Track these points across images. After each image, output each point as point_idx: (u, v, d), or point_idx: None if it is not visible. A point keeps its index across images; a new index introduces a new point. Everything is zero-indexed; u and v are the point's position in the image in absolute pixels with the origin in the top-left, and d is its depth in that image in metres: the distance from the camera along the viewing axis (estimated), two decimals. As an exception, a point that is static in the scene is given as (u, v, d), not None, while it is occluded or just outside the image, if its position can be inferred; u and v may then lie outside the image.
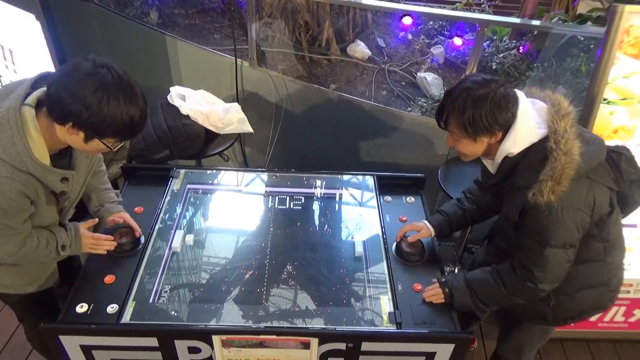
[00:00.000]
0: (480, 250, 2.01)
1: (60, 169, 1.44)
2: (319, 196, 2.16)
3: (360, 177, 2.24)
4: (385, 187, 2.16)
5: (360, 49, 3.18)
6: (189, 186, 2.13)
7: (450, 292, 1.63)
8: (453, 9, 3.33)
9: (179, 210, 2.00)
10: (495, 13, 3.53)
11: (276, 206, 2.08)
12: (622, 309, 2.43)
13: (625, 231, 1.66)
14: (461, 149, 1.56)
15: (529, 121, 1.45)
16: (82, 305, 1.56)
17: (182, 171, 2.19)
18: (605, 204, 1.49)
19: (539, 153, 1.42)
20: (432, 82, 3.05)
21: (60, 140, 1.40)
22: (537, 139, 1.44)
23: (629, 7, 1.71)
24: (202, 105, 2.55)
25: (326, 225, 2.03)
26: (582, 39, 2.86)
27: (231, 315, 1.62)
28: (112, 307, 1.56)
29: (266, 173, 2.26)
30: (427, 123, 2.75)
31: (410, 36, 3.41)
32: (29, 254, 1.51)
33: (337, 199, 2.17)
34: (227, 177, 2.23)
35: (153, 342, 1.54)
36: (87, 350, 1.56)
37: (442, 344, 1.56)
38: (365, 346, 1.56)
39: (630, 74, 1.85)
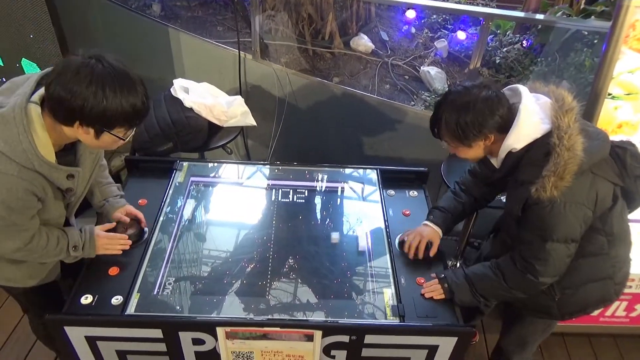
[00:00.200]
0: (485, 244, 2.02)
1: (66, 166, 1.44)
2: (321, 189, 2.17)
3: (363, 170, 2.24)
4: (388, 180, 2.16)
5: (363, 43, 3.17)
6: (192, 179, 2.13)
7: (449, 288, 1.64)
8: (457, 3, 3.31)
9: (182, 202, 2.00)
10: (499, 7, 3.51)
11: (279, 199, 2.09)
12: (624, 304, 2.43)
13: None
14: (462, 156, 1.61)
15: (532, 116, 1.45)
16: (87, 297, 1.57)
17: (186, 164, 2.19)
18: (608, 198, 1.50)
19: (542, 148, 1.42)
20: (435, 76, 3.04)
21: (66, 136, 1.40)
22: (540, 135, 1.45)
23: (635, 1, 1.70)
24: (205, 98, 2.55)
25: (329, 219, 2.03)
26: (587, 33, 2.84)
27: (235, 307, 1.63)
28: (117, 299, 1.57)
29: (269, 166, 2.26)
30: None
31: (413, 30, 3.39)
32: (36, 251, 1.51)
33: (340, 192, 2.17)
34: (230, 170, 2.23)
35: (157, 333, 1.55)
36: (91, 341, 1.57)
37: (445, 337, 1.57)
38: (369, 339, 1.57)
39: (636, 68, 1.85)
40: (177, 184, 2.09)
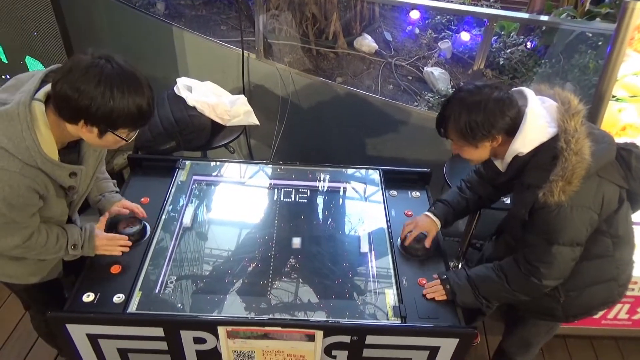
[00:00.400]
0: (488, 246, 2.02)
1: (69, 164, 1.44)
2: (324, 189, 2.16)
3: (365, 171, 2.24)
4: (390, 181, 2.15)
5: (367, 43, 3.17)
6: (194, 177, 2.13)
7: (451, 289, 1.63)
8: (461, 4, 3.30)
9: (184, 201, 2.00)
10: (503, 8, 3.50)
11: (281, 199, 2.08)
12: (627, 307, 2.42)
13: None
14: (466, 156, 1.59)
15: (539, 120, 1.45)
16: (89, 295, 1.57)
17: (188, 162, 2.19)
18: (614, 201, 1.49)
19: (549, 152, 1.42)
20: (439, 76, 3.04)
21: (69, 134, 1.40)
22: (546, 138, 1.44)
23: (640, 4, 1.70)
24: (208, 97, 2.55)
25: (331, 219, 2.03)
26: (591, 35, 2.83)
27: (236, 306, 1.63)
28: (119, 297, 1.57)
29: (271, 166, 2.26)
30: (434, 118, 2.69)
31: (417, 30, 3.39)
32: (35, 248, 1.51)
33: (342, 192, 2.17)
34: (233, 169, 2.23)
35: (159, 332, 1.55)
36: (93, 339, 1.57)
37: (446, 339, 1.57)
38: (370, 339, 1.57)
39: (640, 71, 1.84)
40: (180, 183, 2.09)
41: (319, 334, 1.55)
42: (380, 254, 1.83)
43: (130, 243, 1.73)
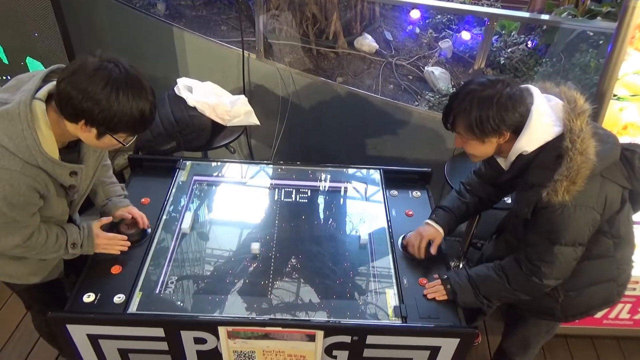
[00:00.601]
0: (488, 245, 2.01)
1: (69, 163, 1.45)
2: (324, 189, 2.16)
3: (366, 170, 2.23)
4: (391, 181, 2.15)
5: (367, 42, 3.16)
6: (195, 178, 2.13)
7: (452, 289, 1.63)
8: (462, 3, 3.30)
9: (185, 201, 2.00)
10: (504, 7, 3.50)
11: (282, 199, 2.08)
12: (628, 307, 2.42)
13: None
14: (470, 151, 1.56)
15: (544, 118, 1.43)
16: (89, 295, 1.57)
17: (189, 163, 2.19)
18: (617, 202, 1.48)
19: (553, 151, 1.41)
20: (439, 76, 3.04)
21: (69, 134, 1.41)
22: (551, 137, 1.43)
23: (641, 2, 1.69)
24: (209, 97, 2.55)
25: (332, 219, 2.03)
26: (592, 34, 2.83)
27: (237, 306, 1.62)
28: (119, 297, 1.57)
29: (272, 166, 2.25)
30: (434, 117, 2.74)
31: (418, 30, 3.38)
32: (35, 247, 1.52)
33: (343, 192, 2.17)
34: (233, 170, 2.23)
35: (159, 332, 1.55)
36: (94, 339, 1.57)
37: (447, 339, 1.57)
38: (371, 339, 1.57)
39: (641, 70, 1.84)
40: (180, 183, 2.09)
41: (319, 334, 1.55)
42: (380, 254, 1.83)
43: (129, 243, 1.73)
